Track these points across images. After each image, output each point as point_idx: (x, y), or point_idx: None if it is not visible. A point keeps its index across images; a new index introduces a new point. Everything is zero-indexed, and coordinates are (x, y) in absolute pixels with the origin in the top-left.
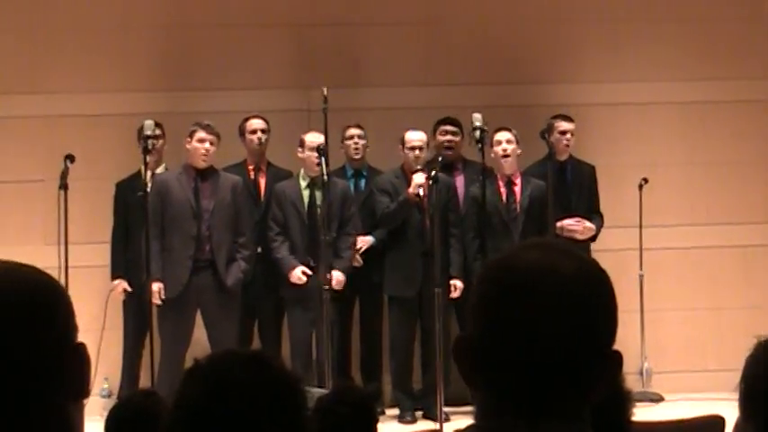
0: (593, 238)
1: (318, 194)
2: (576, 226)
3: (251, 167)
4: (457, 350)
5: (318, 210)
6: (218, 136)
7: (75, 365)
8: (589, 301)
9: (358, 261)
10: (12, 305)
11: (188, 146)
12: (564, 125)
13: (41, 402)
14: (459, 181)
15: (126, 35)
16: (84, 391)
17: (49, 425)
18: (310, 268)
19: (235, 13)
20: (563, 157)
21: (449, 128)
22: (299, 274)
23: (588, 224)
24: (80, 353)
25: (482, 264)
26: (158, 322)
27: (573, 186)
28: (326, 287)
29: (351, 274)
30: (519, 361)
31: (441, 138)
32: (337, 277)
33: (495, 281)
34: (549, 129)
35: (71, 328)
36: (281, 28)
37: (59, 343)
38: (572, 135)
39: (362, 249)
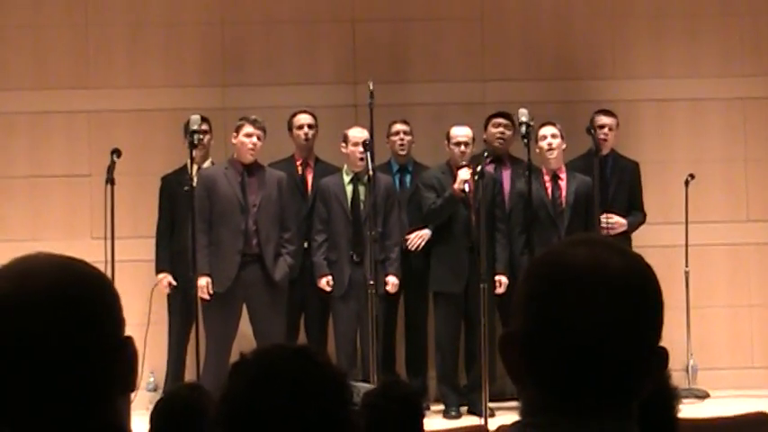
0: (626, 233)
1: (362, 190)
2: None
3: (299, 162)
4: (503, 346)
5: (362, 205)
6: (264, 131)
7: (123, 359)
8: (637, 297)
9: (417, 247)
10: (67, 299)
11: (234, 140)
12: (602, 119)
13: (92, 395)
14: (506, 176)
15: (174, 30)
16: (132, 385)
17: (100, 417)
18: (354, 263)
19: (282, 8)
20: (604, 152)
21: (502, 120)
22: (323, 285)
23: (618, 220)
24: (128, 347)
25: (528, 259)
26: (204, 316)
27: (611, 181)
28: (381, 291)
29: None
30: (566, 358)
31: (493, 130)
32: (393, 282)
33: (542, 277)
34: (591, 124)
35: (120, 322)
36: (329, 23)
37: (110, 337)
38: (610, 129)
39: (422, 245)
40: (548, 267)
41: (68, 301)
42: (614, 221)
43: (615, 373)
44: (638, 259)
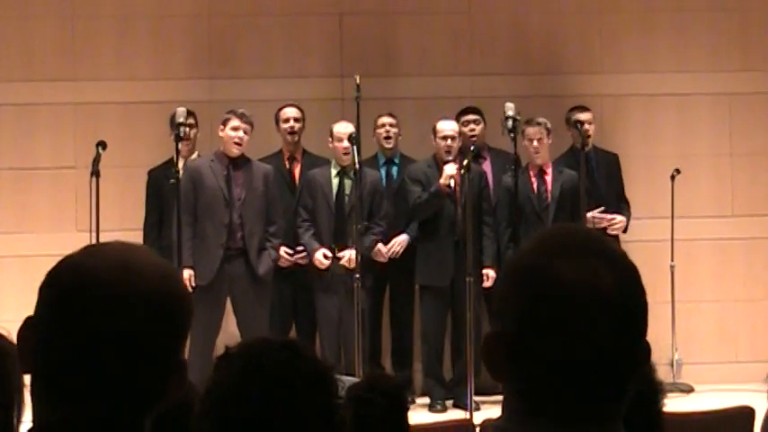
0: (624, 230)
1: (348, 183)
2: (604, 222)
3: (286, 157)
4: (487, 348)
5: (347, 198)
6: (251, 124)
7: (177, 378)
8: (628, 313)
9: (396, 254)
10: (162, 305)
11: (221, 133)
12: (581, 115)
13: (144, 403)
14: (487, 168)
15: (162, 23)
16: (168, 406)
17: (137, 426)
18: (336, 257)
19: (270, 1)
20: (587, 147)
21: (469, 117)
22: (320, 258)
23: (620, 218)
24: (184, 370)
25: (509, 262)
26: None
27: (599, 176)
28: (346, 267)
29: (383, 263)
30: (554, 366)
31: (463, 128)
32: (349, 255)
33: (531, 289)
34: (568, 121)
35: (185, 341)
36: (317, 17)
37: (176, 353)
38: (590, 124)
39: (399, 252)
40: (537, 279)
41: (163, 308)
42: (613, 220)
43: (602, 379)
44: (629, 271)
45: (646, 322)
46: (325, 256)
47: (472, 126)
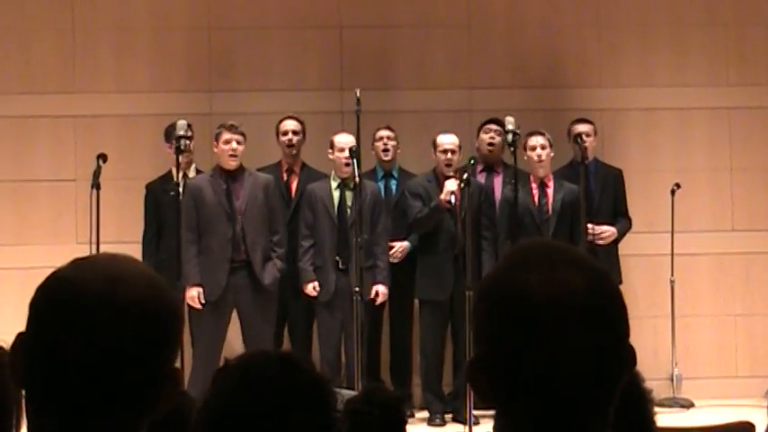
0: (616, 241)
1: (349, 195)
2: (596, 230)
3: (284, 169)
4: (471, 373)
5: (348, 211)
6: (243, 135)
7: (169, 388)
8: (601, 319)
9: (396, 258)
10: (152, 315)
11: (216, 149)
12: (579, 127)
13: (135, 412)
14: (498, 183)
15: (161, 35)
16: (162, 414)
17: None
18: (339, 270)
19: (270, 14)
20: (586, 160)
21: (493, 126)
22: (310, 290)
23: (608, 228)
24: (176, 378)
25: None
26: (193, 323)
27: (596, 189)
28: (367, 298)
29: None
30: (534, 381)
31: (483, 135)
32: (381, 291)
33: (500, 308)
34: (569, 133)
35: (177, 349)
36: (317, 30)
37: (168, 362)
38: (588, 136)
39: (400, 257)
40: (506, 295)
41: (152, 318)
42: (603, 231)
43: (586, 388)
44: (600, 276)
45: (625, 325)
46: (315, 289)
47: (492, 135)
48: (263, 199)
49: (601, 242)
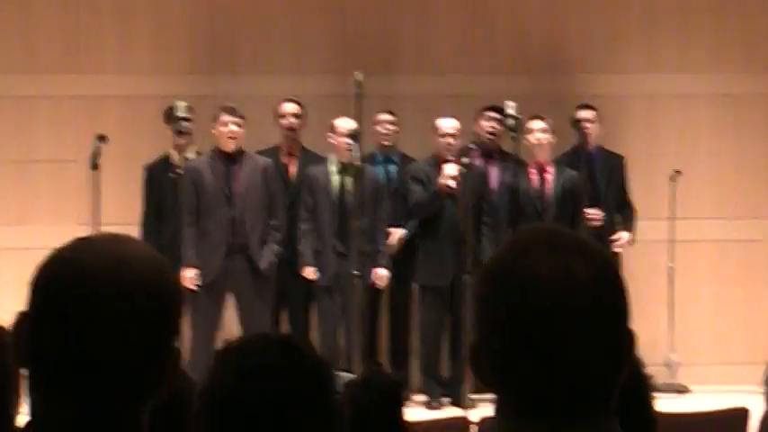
0: (628, 229)
1: (348, 180)
2: (597, 218)
3: (283, 152)
4: (473, 356)
5: (348, 195)
6: (243, 118)
7: (170, 366)
8: (603, 295)
9: (393, 249)
10: (156, 296)
11: (214, 131)
12: (581, 113)
13: (137, 393)
14: (494, 171)
15: (164, 17)
16: (164, 395)
17: (132, 416)
18: (339, 254)
19: None
20: (589, 147)
21: (493, 114)
22: (309, 272)
23: (625, 235)
24: (176, 356)
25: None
26: (190, 306)
27: (601, 177)
28: (368, 282)
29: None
30: (537, 366)
31: (484, 123)
32: (383, 274)
33: (503, 292)
34: (573, 120)
35: (177, 330)
36: (320, 12)
37: (168, 342)
38: (591, 122)
39: (397, 246)
40: (509, 280)
41: (156, 301)
42: (620, 240)
43: (589, 373)
44: (603, 261)
45: (628, 311)
46: (314, 272)
47: (494, 124)
48: (262, 183)
49: (618, 249)
